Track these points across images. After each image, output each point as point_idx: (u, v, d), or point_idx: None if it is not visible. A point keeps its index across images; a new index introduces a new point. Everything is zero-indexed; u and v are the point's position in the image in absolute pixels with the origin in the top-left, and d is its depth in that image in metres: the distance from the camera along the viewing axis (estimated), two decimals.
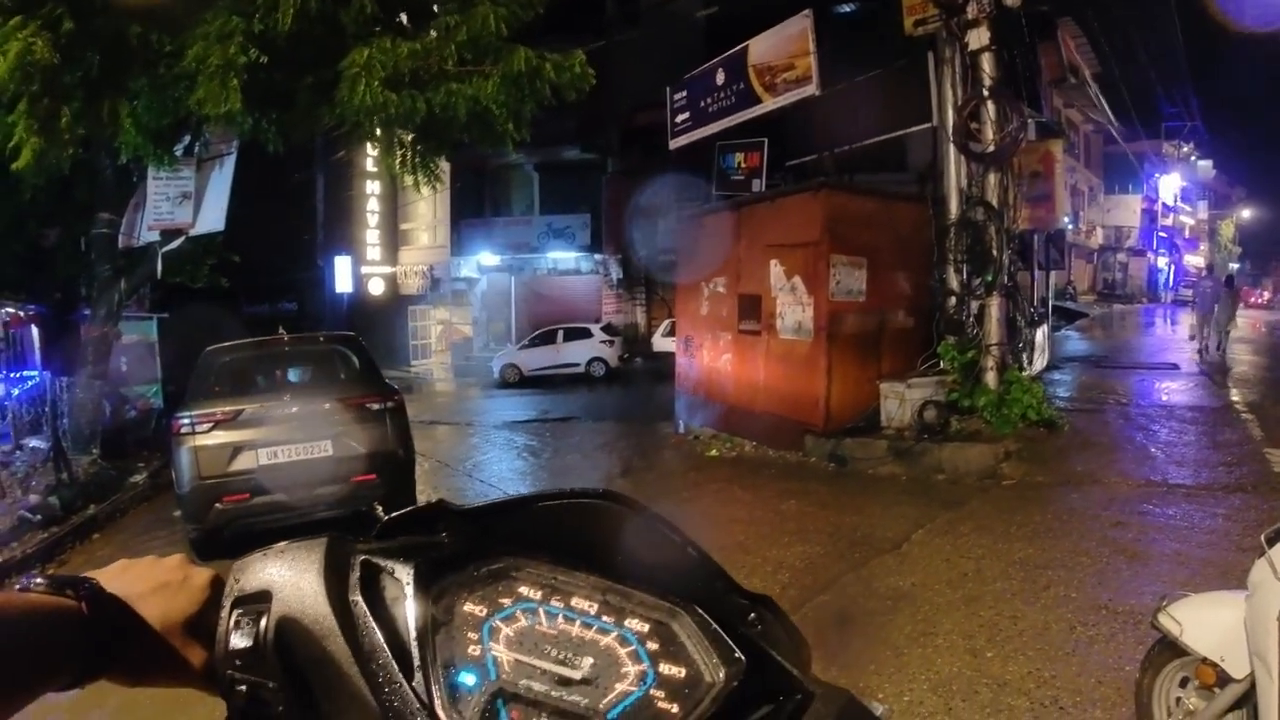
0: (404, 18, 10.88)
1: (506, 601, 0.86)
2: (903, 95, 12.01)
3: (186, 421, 7.37)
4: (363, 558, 0.85)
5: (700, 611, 0.85)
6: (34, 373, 15.45)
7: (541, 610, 0.85)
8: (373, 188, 29.09)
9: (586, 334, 25.30)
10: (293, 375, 8.67)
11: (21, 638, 0.68)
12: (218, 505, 7.29)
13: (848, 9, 13.89)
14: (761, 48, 12.97)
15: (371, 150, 22.43)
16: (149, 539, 9.09)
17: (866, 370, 11.32)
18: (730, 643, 0.83)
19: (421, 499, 8.36)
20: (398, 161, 12.00)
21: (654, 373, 21.74)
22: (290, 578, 0.82)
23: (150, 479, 11.70)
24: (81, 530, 9.25)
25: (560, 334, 25.40)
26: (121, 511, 10.32)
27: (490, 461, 12.77)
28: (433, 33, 10.38)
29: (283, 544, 0.86)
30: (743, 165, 14.45)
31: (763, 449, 11.80)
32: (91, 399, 12.69)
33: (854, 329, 11.24)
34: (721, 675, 0.81)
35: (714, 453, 12.07)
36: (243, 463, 7.32)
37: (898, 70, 12.15)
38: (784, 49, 12.53)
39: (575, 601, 0.86)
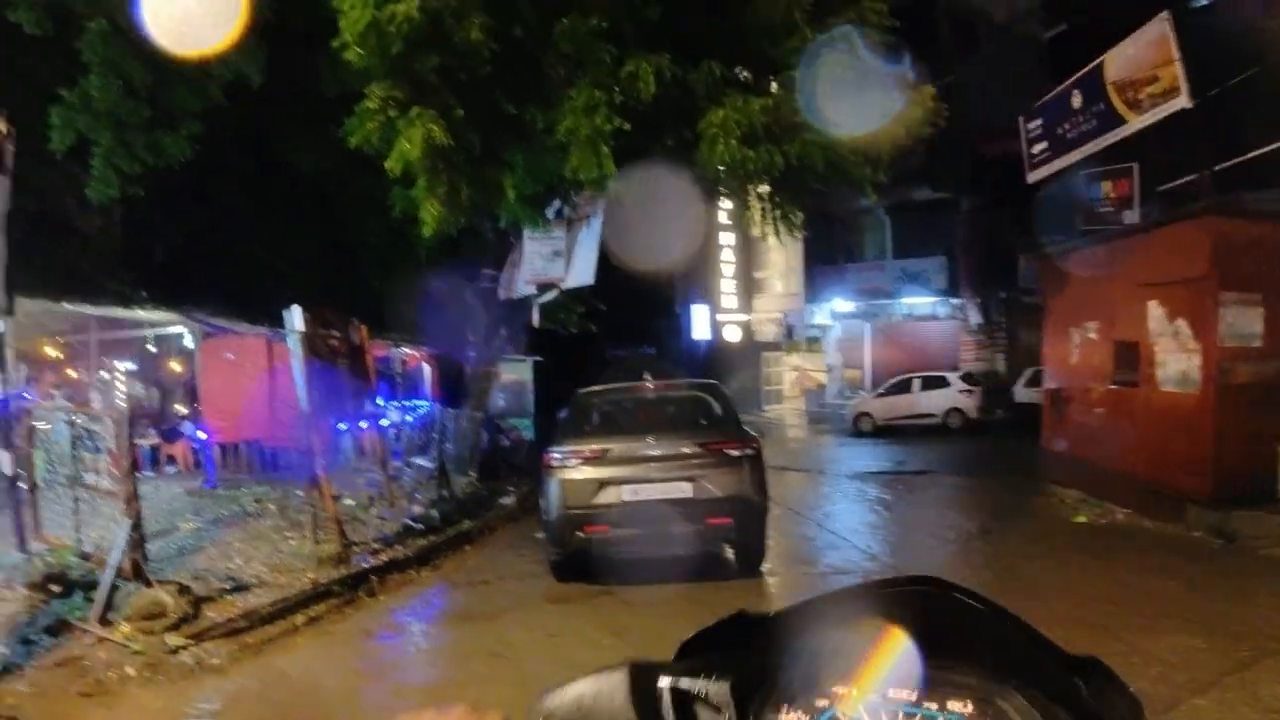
0: (747, 74, 11.22)
1: (823, 704, 0.84)
2: None
3: (558, 456, 8.01)
4: (669, 684, 0.84)
5: (1029, 688, 0.80)
6: (424, 403, 17.76)
7: (861, 706, 0.83)
8: (726, 239, 30.17)
9: (944, 383, 24.21)
10: (657, 418, 9.07)
11: None
12: (579, 534, 7.82)
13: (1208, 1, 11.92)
14: (1119, 61, 11.61)
15: (725, 203, 23.26)
16: (512, 555, 9.97)
17: (1264, 429, 9.66)
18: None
19: (771, 544, 8.37)
20: (757, 214, 12.36)
21: (1016, 426, 20.34)
22: (597, 712, 0.81)
23: (518, 502, 12.78)
24: (455, 540, 10.32)
25: (916, 382, 24.52)
26: (491, 528, 11.36)
27: (841, 512, 12.53)
28: (774, 85, 10.63)
29: (582, 682, 0.85)
30: (1110, 195, 13.04)
31: (1136, 517, 10.59)
32: (473, 428, 14.20)
33: (1249, 379, 9.74)
34: None
35: (1081, 518, 11.03)
36: (606, 497, 7.78)
37: None
38: (1144, 59, 11.10)
39: (891, 692, 0.83)
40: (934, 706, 0.80)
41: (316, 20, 11.55)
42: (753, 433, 8.52)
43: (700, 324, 30.61)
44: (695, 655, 0.89)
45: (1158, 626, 6.60)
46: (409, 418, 16.13)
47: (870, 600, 0.86)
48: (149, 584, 6.64)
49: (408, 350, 18.80)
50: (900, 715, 0.80)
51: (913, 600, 0.85)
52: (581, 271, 13.15)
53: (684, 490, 7.75)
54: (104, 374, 16.78)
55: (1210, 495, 9.60)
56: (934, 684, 0.81)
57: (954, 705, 0.79)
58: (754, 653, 0.86)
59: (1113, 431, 11.58)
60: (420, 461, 14.19)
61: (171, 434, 15.93)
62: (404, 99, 10.32)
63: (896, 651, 0.83)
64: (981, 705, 0.79)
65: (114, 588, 6.59)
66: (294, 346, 8.89)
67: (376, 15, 9.73)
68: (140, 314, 14.79)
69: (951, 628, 0.84)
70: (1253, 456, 9.57)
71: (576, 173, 10.42)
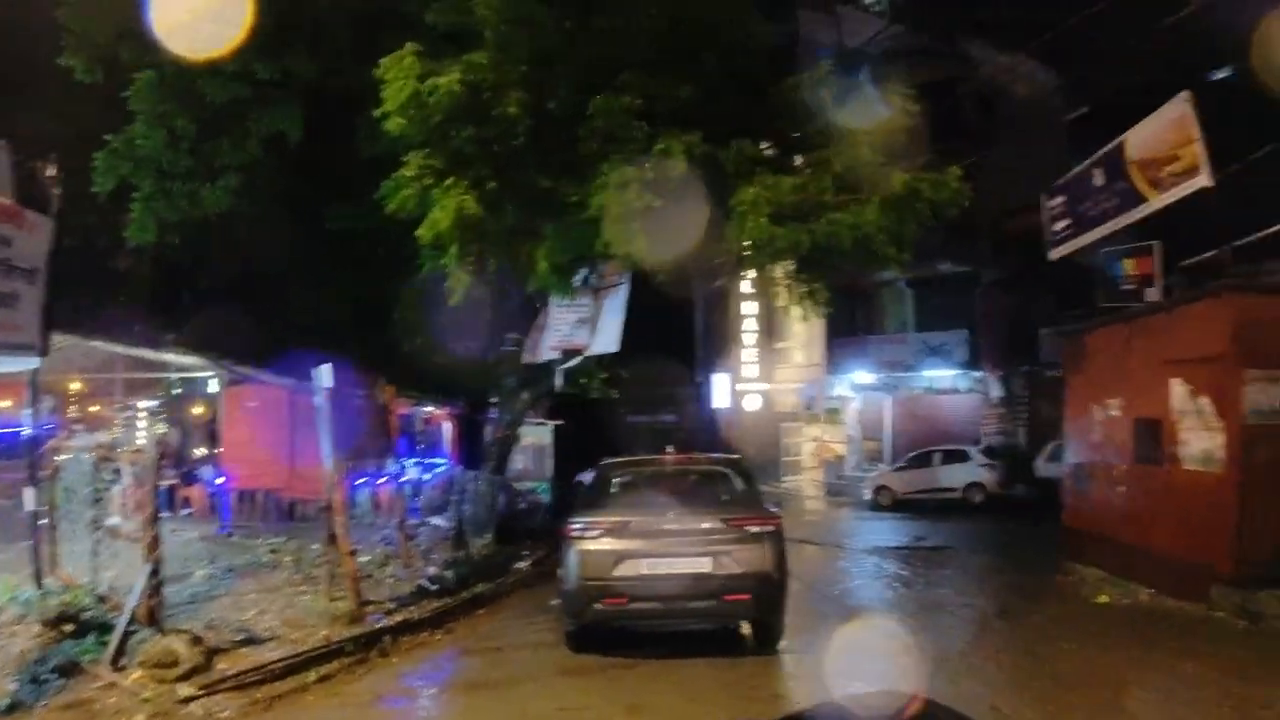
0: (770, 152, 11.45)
1: None
2: None
3: (578, 526, 7.95)
4: None
5: None
6: (443, 461, 17.85)
7: None
8: (748, 309, 30.33)
9: (964, 457, 24.05)
10: (679, 492, 9.06)
11: None
12: (597, 605, 7.71)
13: (1226, 75, 11.81)
14: (1139, 139, 11.61)
15: (746, 275, 23.39)
16: (527, 622, 9.81)
17: None
18: None
19: (787, 621, 8.25)
20: (783, 290, 12.48)
21: (1036, 501, 20.12)
22: None
23: (533, 566, 12.68)
24: (469, 604, 10.22)
25: (937, 456, 24.38)
26: (505, 592, 11.25)
27: (858, 588, 12.45)
28: (798, 161, 10.84)
29: None
30: (1132, 272, 13.03)
31: (1160, 597, 10.39)
32: (490, 490, 14.21)
33: (1273, 458, 9.51)
34: None
35: (1103, 599, 10.83)
36: (625, 570, 7.68)
37: None
38: (1165, 138, 11.12)
39: None
40: None
41: (356, 84, 11.90)
42: (774, 509, 8.47)
43: (720, 393, 30.67)
44: None
45: (1180, 710, 6.55)
46: (427, 476, 16.19)
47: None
48: (163, 632, 6.65)
49: (430, 408, 18.93)
50: None
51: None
52: (607, 339, 13.26)
53: (704, 565, 7.67)
54: (126, 412, 16.98)
55: (1234, 575, 9.42)
56: None
57: None
58: None
59: (1135, 510, 11.45)
60: (436, 521, 14.18)
61: (189, 476, 16.05)
62: (441, 168, 10.57)
63: None
64: None
65: (128, 633, 6.59)
66: (320, 404, 8.96)
67: (418, 87, 10.02)
68: (169, 357, 15.01)
69: None
70: (1277, 535, 9.39)
71: (608, 247, 10.60)
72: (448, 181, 10.32)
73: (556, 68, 10.83)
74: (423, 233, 10.47)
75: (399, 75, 10.10)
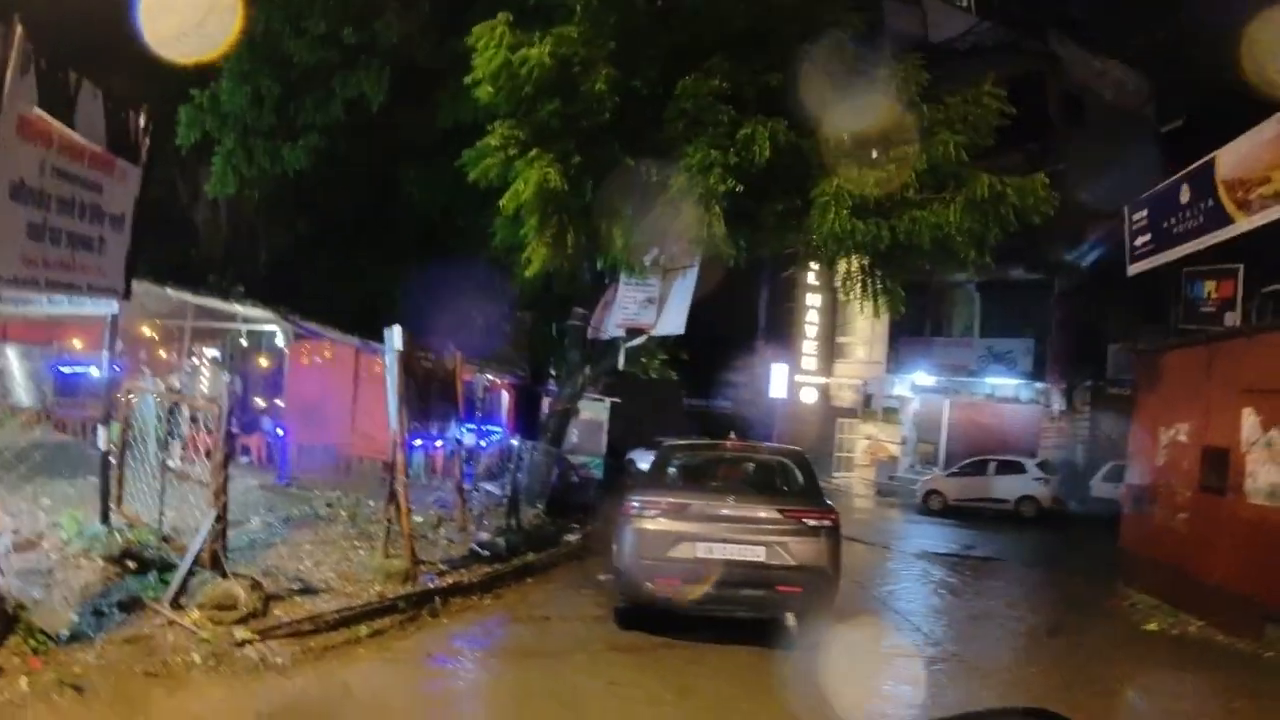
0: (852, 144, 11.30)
1: None
2: None
3: (637, 505, 7.98)
4: None
5: None
6: (498, 429, 18.03)
7: None
8: (813, 300, 30.14)
9: (1020, 468, 23.72)
10: (739, 479, 9.11)
11: None
12: (649, 585, 7.75)
13: None
14: (1231, 159, 11.11)
15: (813, 266, 23.24)
16: (575, 594, 9.91)
17: None
18: None
19: (835, 616, 8.24)
20: (858, 286, 12.36)
21: (1090, 520, 19.77)
22: None
23: (582, 540, 12.75)
24: (519, 572, 10.29)
25: (992, 465, 24.07)
26: (554, 564, 11.32)
27: (904, 592, 12.31)
28: (875, 155, 10.71)
29: None
30: (1213, 295, 12.64)
31: (1210, 630, 10.12)
32: (546, 462, 14.34)
33: None
34: None
35: (1153, 626, 10.58)
36: (680, 552, 7.71)
37: None
38: (1259, 158, 10.64)
39: None
40: None
41: (441, 53, 12.01)
42: (832, 504, 8.40)
43: (778, 383, 30.55)
44: None
45: None
46: (483, 443, 16.38)
47: None
48: (225, 575, 6.82)
49: (490, 376, 19.15)
50: None
51: None
52: (673, 321, 13.27)
53: (758, 554, 7.67)
54: (193, 359, 17.40)
55: None
56: None
57: None
58: None
59: (1194, 539, 11.16)
60: (489, 487, 14.35)
61: (250, 426, 16.39)
62: (525, 140, 10.64)
63: None
64: None
65: (190, 573, 6.78)
66: (391, 364, 9.08)
67: (510, 57, 10.08)
68: (238, 308, 15.34)
69: None
70: None
71: (686, 229, 10.61)
72: (531, 153, 10.39)
73: (645, 47, 10.82)
74: (505, 203, 10.59)
75: (490, 44, 10.17)
